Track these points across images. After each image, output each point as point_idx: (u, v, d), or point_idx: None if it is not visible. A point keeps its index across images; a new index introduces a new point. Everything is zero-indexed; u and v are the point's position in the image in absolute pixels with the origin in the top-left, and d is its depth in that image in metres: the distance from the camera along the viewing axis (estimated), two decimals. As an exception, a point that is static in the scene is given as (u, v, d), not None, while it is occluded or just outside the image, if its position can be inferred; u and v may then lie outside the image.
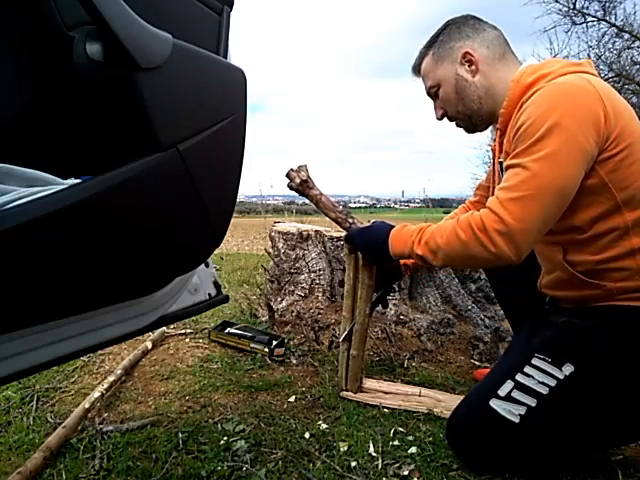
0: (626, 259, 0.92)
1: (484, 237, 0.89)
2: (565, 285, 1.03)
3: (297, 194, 1.31)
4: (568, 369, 0.95)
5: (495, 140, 1.07)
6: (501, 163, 1.07)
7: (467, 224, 0.92)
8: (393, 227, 1.08)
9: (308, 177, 1.29)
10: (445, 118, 1.13)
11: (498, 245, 0.88)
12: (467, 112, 1.07)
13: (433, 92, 1.10)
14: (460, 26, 1.06)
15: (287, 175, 1.30)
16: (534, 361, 0.99)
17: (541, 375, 0.96)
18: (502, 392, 0.98)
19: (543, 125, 0.86)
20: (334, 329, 1.80)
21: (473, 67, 1.03)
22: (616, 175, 0.89)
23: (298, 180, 1.28)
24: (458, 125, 1.13)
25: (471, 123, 1.10)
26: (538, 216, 0.87)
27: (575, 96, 0.87)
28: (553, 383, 0.95)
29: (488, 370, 1.27)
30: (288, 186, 1.31)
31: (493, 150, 1.11)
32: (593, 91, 0.88)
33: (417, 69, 1.14)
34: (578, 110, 0.86)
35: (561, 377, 0.95)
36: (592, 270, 0.96)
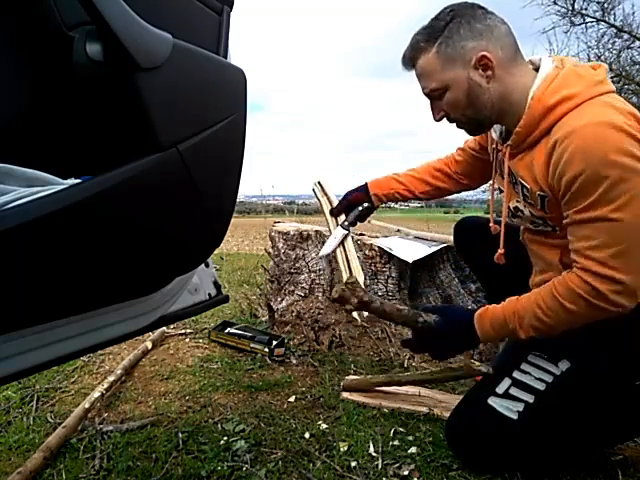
0: None
1: (602, 302, 0.85)
2: None
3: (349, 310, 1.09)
4: (564, 365, 0.96)
5: (504, 146, 1.01)
6: (512, 175, 1.02)
7: (575, 295, 0.86)
8: (472, 316, 0.98)
9: (364, 291, 1.08)
10: (445, 119, 1.04)
11: (619, 303, 0.85)
12: (477, 117, 0.98)
13: (436, 94, 0.98)
14: (470, 21, 0.92)
15: (339, 299, 1.07)
16: (530, 358, 0.99)
17: (538, 371, 0.97)
18: (500, 390, 0.99)
19: (607, 173, 0.80)
20: (334, 329, 1.80)
21: (489, 72, 0.92)
22: None
23: (356, 301, 1.07)
24: (459, 127, 1.05)
25: (477, 126, 1.04)
26: None
27: (621, 133, 0.81)
28: (550, 379, 0.96)
29: None
30: (345, 310, 1.10)
31: (499, 149, 1.07)
32: (632, 123, 0.83)
33: (412, 63, 0.99)
34: (630, 145, 0.81)
35: (557, 373, 0.96)
36: None
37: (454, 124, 1.04)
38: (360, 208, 1.35)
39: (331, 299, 1.08)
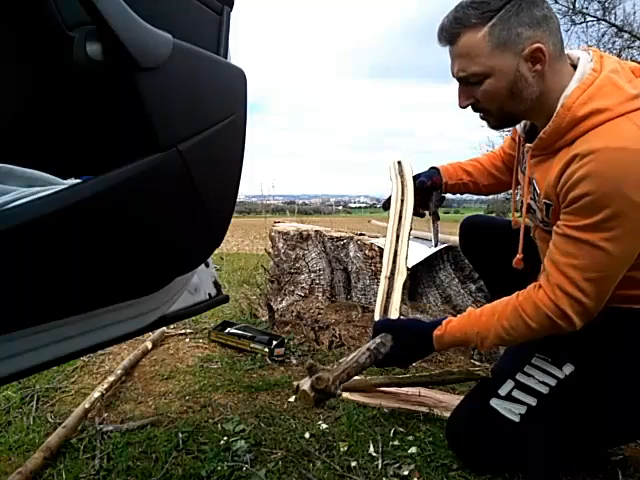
0: (630, 270, 0.90)
1: (564, 322, 0.87)
2: None
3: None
4: (568, 369, 0.96)
5: (527, 147, 0.98)
6: (532, 180, 1.00)
7: (542, 315, 0.88)
8: (430, 336, 0.99)
9: (334, 378, 0.93)
10: (470, 107, 0.95)
11: (577, 324, 0.88)
12: (512, 112, 0.92)
13: (474, 80, 0.88)
14: (531, 7, 0.82)
15: (325, 390, 0.91)
16: (534, 361, 0.99)
17: (541, 374, 0.97)
18: (502, 391, 0.98)
19: (613, 201, 0.78)
20: (334, 329, 1.80)
21: (538, 67, 0.85)
22: None
23: (331, 383, 0.91)
24: (484, 118, 0.97)
25: (506, 121, 0.97)
26: (612, 287, 0.87)
27: (638, 164, 0.78)
28: (553, 382, 0.96)
29: None
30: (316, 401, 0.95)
31: (523, 144, 1.04)
32: None
33: (452, 38, 0.87)
34: None
35: (561, 376, 0.95)
36: None
37: (478, 113, 0.96)
38: (440, 193, 1.29)
39: (313, 401, 0.90)
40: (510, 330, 0.92)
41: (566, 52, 0.92)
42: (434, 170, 1.31)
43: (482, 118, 0.97)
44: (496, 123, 0.97)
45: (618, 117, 0.81)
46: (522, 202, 1.06)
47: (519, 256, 1.05)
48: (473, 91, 0.90)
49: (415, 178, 1.31)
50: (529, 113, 0.94)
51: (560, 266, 0.86)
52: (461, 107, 0.94)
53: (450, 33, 0.87)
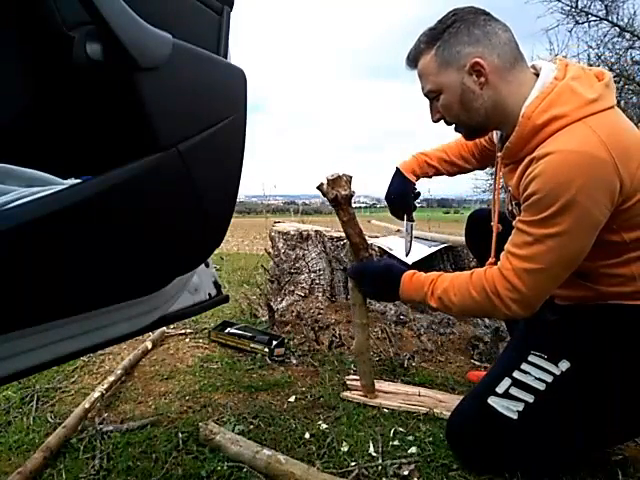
0: (620, 267, 0.94)
1: (498, 301, 0.94)
2: (561, 285, 1.04)
3: (331, 203, 1.17)
4: (564, 365, 0.97)
5: (498, 156, 1.04)
6: (509, 191, 1.05)
7: (481, 287, 0.96)
8: (404, 270, 1.10)
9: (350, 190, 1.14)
10: (442, 121, 1.04)
11: (512, 309, 0.93)
12: (471, 123, 1.00)
13: (432, 96, 1.01)
14: (470, 27, 0.93)
15: (323, 186, 1.15)
16: (530, 358, 1.00)
17: (538, 371, 0.98)
18: (500, 389, 0.99)
19: (557, 200, 0.83)
20: (334, 329, 1.80)
21: (482, 79, 0.93)
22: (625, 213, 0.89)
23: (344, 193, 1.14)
24: (457, 130, 1.06)
25: (472, 131, 1.04)
26: (550, 284, 0.93)
27: (590, 169, 0.82)
28: (550, 379, 0.97)
29: (481, 372, 1.28)
30: (322, 191, 1.17)
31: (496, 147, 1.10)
32: (608, 159, 0.82)
33: (414, 63, 1.02)
34: (594, 185, 0.83)
35: (557, 373, 0.97)
36: (588, 274, 0.97)
37: (451, 126, 1.05)
38: (412, 197, 1.37)
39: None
40: (456, 289, 1.00)
41: (532, 63, 0.99)
42: (401, 178, 1.35)
43: (455, 130, 1.06)
44: (465, 134, 1.07)
45: (575, 122, 0.86)
46: (500, 209, 1.11)
47: (491, 260, 1.09)
48: (437, 106, 1.02)
49: (388, 195, 1.37)
50: (493, 122, 1.00)
51: (507, 254, 0.94)
52: (433, 122, 1.05)
53: (410, 59, 1.03)
